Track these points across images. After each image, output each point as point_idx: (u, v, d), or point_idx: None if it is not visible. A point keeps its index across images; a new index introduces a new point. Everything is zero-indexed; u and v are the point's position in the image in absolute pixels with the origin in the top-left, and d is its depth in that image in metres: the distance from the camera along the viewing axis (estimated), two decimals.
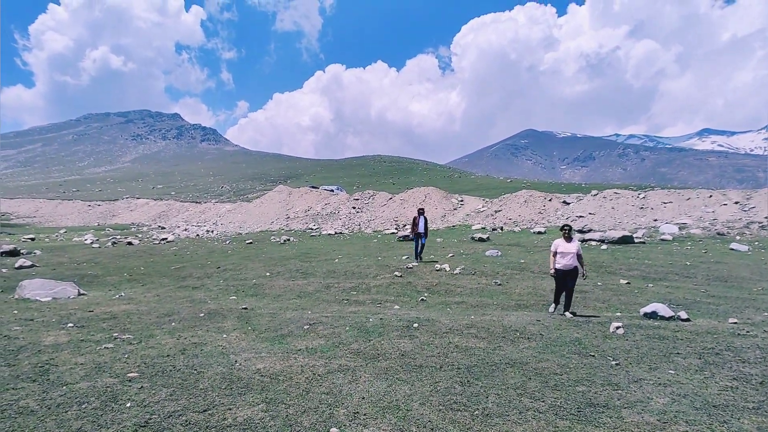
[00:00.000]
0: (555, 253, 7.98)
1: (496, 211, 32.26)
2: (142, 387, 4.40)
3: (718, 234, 20.44)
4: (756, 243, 17.91)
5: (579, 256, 7.85)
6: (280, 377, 4.70)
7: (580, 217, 27.16)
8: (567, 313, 7.72)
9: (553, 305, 8.24)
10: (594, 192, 31.48)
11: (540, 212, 30.33)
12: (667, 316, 7.05)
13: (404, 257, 15.57)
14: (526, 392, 4.27)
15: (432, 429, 3.59)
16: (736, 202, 24.07)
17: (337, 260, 15.77)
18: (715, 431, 3.42)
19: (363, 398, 4.19)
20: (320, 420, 3.73)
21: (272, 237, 27.03)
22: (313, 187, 50.14)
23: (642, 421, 3.62)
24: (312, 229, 33.16)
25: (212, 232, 35.73)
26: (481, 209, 33.87)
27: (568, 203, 30.53)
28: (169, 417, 3.79)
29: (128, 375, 4.71)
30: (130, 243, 25.04)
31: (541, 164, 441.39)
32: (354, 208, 38.16)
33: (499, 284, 11.17)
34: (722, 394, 4.11)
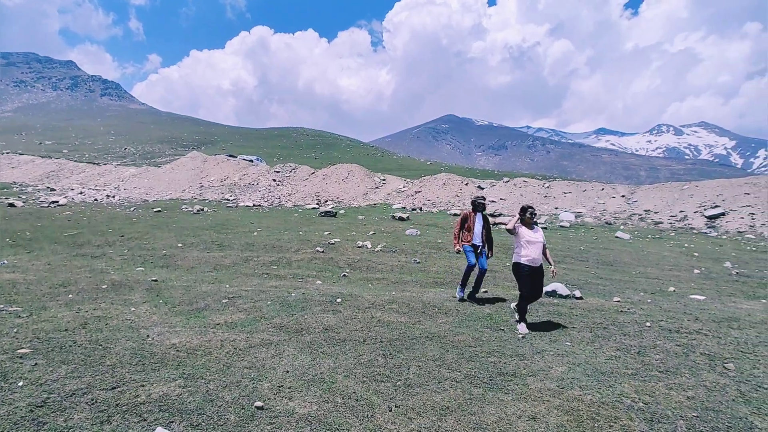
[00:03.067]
0: (517, 240, 6.05)
1: (416, 192, 33.18)
2: (36, 364, 3.97)
3: (607, 223, 23.01)
4: (636, 232, 20.45)
5: (545, 248, 6.00)
6: (198, 352, 4.50)
7: (492, 201, 28.93)
8: (521, 326, 5.74)
9: (523, 324, 5.74)
10: (506, 179, 33.62)
11: (457, 195, 31.77)
12: (564, 294, 7.84)
13: (326, 233, 15.49)
14: (444, 363, 4.54)
15: (357, 400, 3.69)
16: (623, 196, 27.18)
17: (255, 233, 15.26)
18: (603, 394, 3.93)
19: (287, 372, 4.17)
20: (243, 394, 3.66)
21: (184, 206, 25.35)
22: (230, 155, 47.52)
23: (544, 387, 4.04)
24: (228, 199, 31.62)
25: (113, 197, 32.59)
26: (402, 189, 34.63)
27: (483, 188, 32.31)
28: (71, 396, 3.47)
29: (18, 351, 4.21)
30: (11, 204, 22.00)
31: (459, 149, 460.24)
32: (274, 180, 36.97)
33: (418, 262, 11.60)
34: (608, 362, 4.70)
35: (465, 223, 7.49)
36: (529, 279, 5.80)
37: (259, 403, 3.48)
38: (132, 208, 23.72)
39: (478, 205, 7.57)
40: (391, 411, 3.54)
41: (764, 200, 21.97)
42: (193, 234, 14.73)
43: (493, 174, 56.47)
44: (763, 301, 8.35)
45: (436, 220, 22.76)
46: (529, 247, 5.84)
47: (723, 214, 21.73)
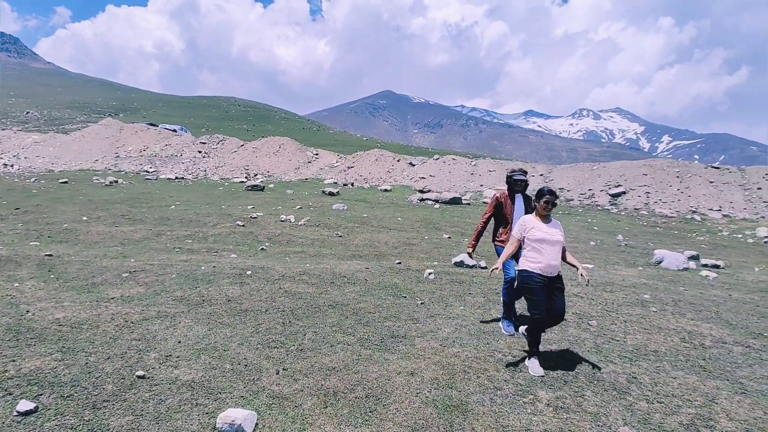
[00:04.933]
0: (523, 240, 4.13)
1: (348, 167, 33.14)
2: None
3: None
4: None
5: (564, 250, 4.18)
6: (83, 326, 4.33)
7: (422, 178, 29.69)
8: (533, 362, 4.00)
9: (535, 361, 4.00)
10: (436, 156, 34.51)
11: (388, 171, 32.18)
12: (470, 264, 8.36)
13: (249, 207, 15.14)
14: (340, 329, 4.74)
15: (246, 365, 3.78)
16: (541, 174, 29.02)
17: (173, 207, 14.56)
18: (479, 350, 4.33)
19: (179, 342, 4.15)
20: (126, 365, 3.61)
21: (95, 177, 23.43)
22: (151, 124, 44.27)
23: (428, 347, 4.38)
24: (148, 171, 29.66)
25: (12, 166, 29.36)
26: (335, 164, 34.42)
27: (414, 165, 32.96)
28: None
29: None
30: None
31: (396, 126, 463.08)
32: (200, 152, 35.14)
33: (340, 236, 11.74)
34: (491, 323, 5.16)
35: (500, 212, 5.03)
36: (544, 295, 3.99)
37: (140, 373, 3.46)
38: (33, 179, 21.55)
39: (515, 183, 5.00)
40: (278, 374, 3.68)
41: (659, 180, 24.51)
42: (102, 207, 13.76)
43: (427, 152, 57.60)
44: (640, 268, 9.46)
45: (366, 195, 22.99)
46: (543, 248, 3.99)
47: (624, 192, 23.98)
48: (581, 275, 4.06)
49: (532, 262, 4.05)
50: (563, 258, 4.18)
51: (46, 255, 7.60)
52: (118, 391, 3.22)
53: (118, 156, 33.70)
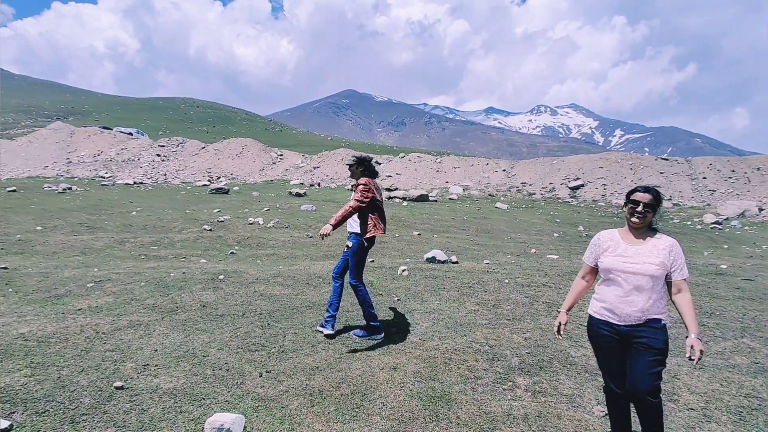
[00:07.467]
0: (593, 271, 2.86)
1: (314, 168, 32.90)
2: None
3: (489, 195, 25.14)
4: (513, 203, 22.68)
5: (672, 286, 2.59)
6: (51, 340, 4.16)
7: (389, 176, 29.87)
8: None
9: None
10: (402, 155, 34.79)
11: None
12: (442, 260, 8.54)
13: (216, 210, 14.81)
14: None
15: (228, 370, 3.75)
16: (504, 170, 29.79)
17: (134, 213, 14.06)
18: (457, 342, 4.46)
19: (156, 350, 4.06)
20: (102, 377, 3.50)
21: (46, 185, 22.25)
22: (105, 128, 42.39)
23: (408, 341, 4.47)
24: (104, 177, 28.44)
25: None
26: (301, 165, 34.09)
27: (380, 164, 33.09)
28: None
29: None
30: None
31: (360, 125, 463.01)
32: (159, 155, 33.98)
33: (311, 237, 11.69)
34: (468, 315, 5.31)
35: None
36: (613, 355, 2.69)
37: (119, 384, 3.37)
38: None
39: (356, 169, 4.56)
40: (261, 376, 3.67)
41: (614, 173, 25.66)
42: (58, 216, 13.12)
43: (392, 150, 57.89)
44: None
45: (334, 195, 22.91)
46: (611, 281, 2.68)
47: (582, 185, 24.97)
48: (690, 347, 2.45)
49: (597, 300, 2.76)
50: (671, 297, 2.63)
51: (0, 268, 7.20)
52: (96, 403, 3.13)
53: (70, 161, 32.13)
